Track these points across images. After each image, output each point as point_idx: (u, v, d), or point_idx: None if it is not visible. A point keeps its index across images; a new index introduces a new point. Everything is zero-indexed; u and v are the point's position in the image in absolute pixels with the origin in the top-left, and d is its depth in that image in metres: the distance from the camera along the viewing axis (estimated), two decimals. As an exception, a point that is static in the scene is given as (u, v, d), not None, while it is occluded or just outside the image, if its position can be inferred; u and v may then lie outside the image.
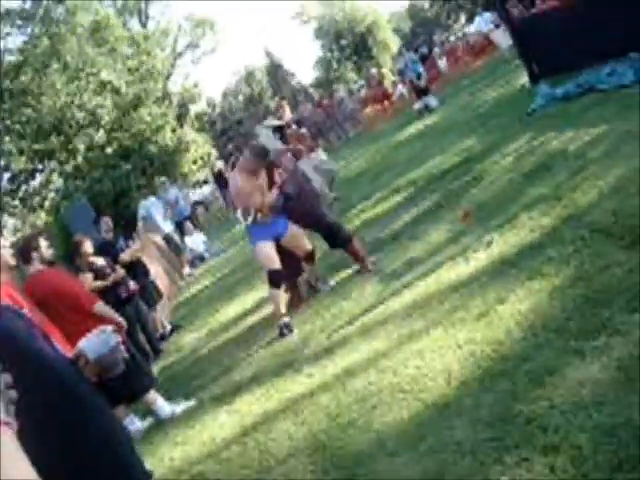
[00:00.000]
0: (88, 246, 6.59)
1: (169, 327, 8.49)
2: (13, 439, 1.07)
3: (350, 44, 47.72)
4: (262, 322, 6.34)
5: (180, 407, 5.19)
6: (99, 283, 6.42)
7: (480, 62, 22.16)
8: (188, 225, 14.45)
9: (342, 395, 3.80)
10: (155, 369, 6.74)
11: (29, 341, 2.07)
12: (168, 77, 29.86)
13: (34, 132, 21.51)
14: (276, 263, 5.75)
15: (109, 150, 22.21)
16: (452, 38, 35.05)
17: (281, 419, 3.97)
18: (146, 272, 8.64)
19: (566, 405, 2.60)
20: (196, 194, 24.85)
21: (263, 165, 5.83)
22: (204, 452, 4.23)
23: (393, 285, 5.15)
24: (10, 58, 22.07)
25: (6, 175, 22.99)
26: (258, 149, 5.89)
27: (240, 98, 55.74)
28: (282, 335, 5.50)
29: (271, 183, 5.95)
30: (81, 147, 21.86)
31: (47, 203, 23.14)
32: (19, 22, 22.65)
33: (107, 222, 8.91)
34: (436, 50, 26.54)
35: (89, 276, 6.37)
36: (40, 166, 23.28)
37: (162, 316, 8.59)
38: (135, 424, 5.27)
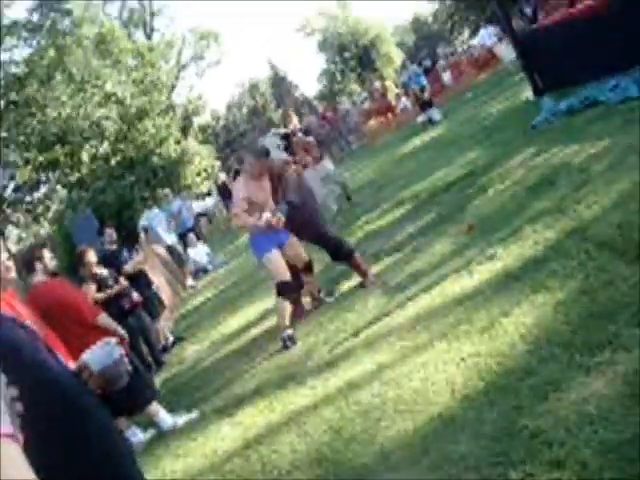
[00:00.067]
0: (92, 256, 6.60)
1: (171, 339, 8.48)
2: (19, 452, 1.06)
3: (354, 57, 47.93)
4: (265, 334, 6.32)
5: (182, 419, 5.17)
6: (102, 294, 6.43)
7: (484, 75, 22.25)
8: (191, 237, 14.45)
9: (345, 408, 3.79)
10: (157, 381, 6.73)
11: (32, 353, 2.06)
12: (172, 89, 30.01)
13: (39, 143, 21.58)
14: (286, 274, 5.71)
15: (113, 161, 22.27)
16: (458, 50, 35.15)
17: (284, 432, 3.95)
18: (149, 283, 8.65)
19: (571, 420, 2.58)
20: (199, 206, 24.88)
21: (267, 166, 5.81)
22: (206, 465, 4.21)
23: (397, 298, 5.14)
24: (16, 70, 22.18)
25: (11, 185, 23.07)
26: (258, 150, 5.90)
27: (244, 110, 55.93)
28: (286, 347, 5.49)
29: (275, 192, 5.94)
30: (85, 158, 21.93)
31: (51, 214, 23.19)
32: (25, 34, 22.77)
33: (111, 233, 8.92)
34: (440, 63, 26.64)
35: (92, 287, 6.38)
36: (44, 177, 23.35)
37: (165, 328, 8.58)
38: (137, 436, 5.26)
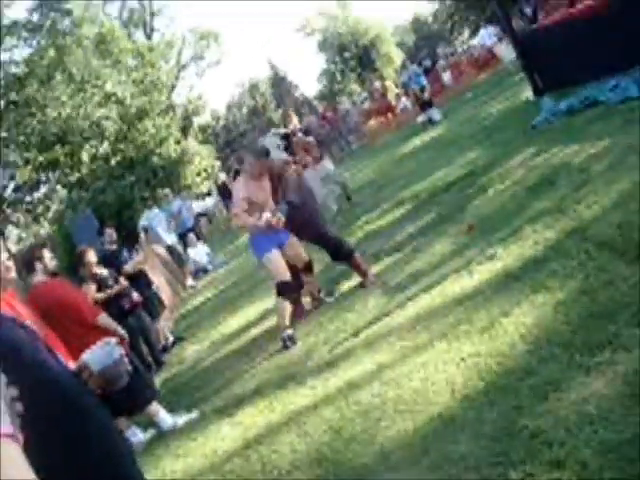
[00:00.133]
0: (92, 256, 6.61)
1: (171, 339, 8.48)
2: (20, 452, 1.06)
3: (354, 57, 47.94)
4: (265, 334, 6.32)
5: (182, 419, 5.17)
6: (102, 294, 6.43)
7: (484, 75, 22.25)
8: (191, 237, 14.46)
9: (345, 408, 3.79)
10: (157, 381, 6.73)
11: (32, 353, 2.06)
12: (172, 89, 30.00)
13: (39, 143, 21.58)
14: (286, 274, 5.70)
15: (113, 161, 22.28)
16: (458, 50, 35.15)
17: (284, 432, 3.95)
18: (149, 283, 8.65)
19: (571, 420, 2.58)
20: (199, 206, 24.87)
21: (266, 166, 5.80)
22: (206, 465, 4.21)
23: (397, 298, 5.14)
24: (16, 70, 22.19)
25: (11, 185, 23.07)
26: (258, 150, 5.89)
27: (244, 110, 55.93)
28: (285, 347, 5.49)
29: (275, 192, 5.93)
30: (85, 158, 21.93)
31: (51, 214, 23.19)
32: (25, 34, 22.78)
33: (111, 233, 8.92)
34: (440, 63, 26.65)
35: (92, 286, 6.38)
36: (44, 177, 23.35)
37: (165, 328, 8.58)
38: (137, 436, 5.26)
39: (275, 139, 8.09)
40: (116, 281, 6.78)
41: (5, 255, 2.32)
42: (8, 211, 23.10)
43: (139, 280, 8.04)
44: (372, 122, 24.27)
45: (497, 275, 4.46)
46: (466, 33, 40.57)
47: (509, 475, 2.48)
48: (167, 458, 4.67)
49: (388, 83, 28.99)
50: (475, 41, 29.35)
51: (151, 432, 5.36)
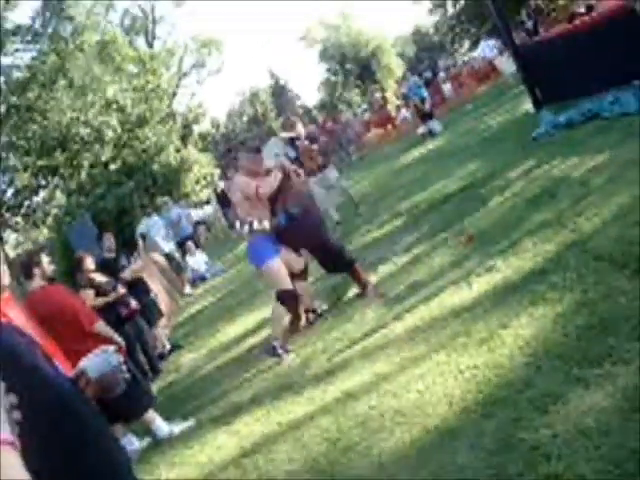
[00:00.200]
0: (90, 262, 6.60)
1: (169, 346, 8.45)
2: (18, 459, 1.06)
3: (355, 67, 48.07)
4: (263, 343, 6.29)
5: (178, 427, 5.15)
6: (100, 300, 6.41)
7: (484, 88, 22.33)
8: (190, 245, 14.45)
9: (343, 418, 3.77)
10: (154, 388, 6.70)
11: (30, 359, 2.05)
12: (173, 96, 30.07)
13: (39, 148, 21.61)
14: (288, 282, 5.61)
15: (113, 167, 22.29)
16: (459, 62, 35.28)
17: (281, 442, 3.93)
18: (147, 291, 8.63)
19: (570, 433, 2.57)
20: (198, 214, 24.87)
21: (259, 163, 5.73)
22: (202, 474, 4.19)
23: (395, 309, 5.13)
24: (17, 74, 22.25)
25: (10, 190, 23.08)
26: (251, 147, 5.87)
27: (244, 119, 56.05)
28: (276, 355, 5.44)
29: (272, 202, 5.86)
30: (85, 164, 21.95)
31: (50, 219, 23.18)
32: (28, 39, 22.85)
33: (109, 239, 8.90)
34: (441, 75, 26.76)
35: (90, 293, 6.36)
36: (44, 182, 23.36)
37: (162, 335, 8.55)
38: (133, 444, 5.23)
39: (275, 147, 8.08)
40: (114, 288, 6.76)
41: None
42: (7, 215, 23.09)
43: (137, 287, 8.02)
44: (372, 133, 24.34)
45: (496, 287, 4.46)
46: (466, 45, 40.73)
47: (507, 488, 2.47)
48: (163, 466, 4.65)
49: (388, 94, 29.08)
50: (475, 53, 29.47)
51: (147, 440, 5.34)
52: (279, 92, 54.81)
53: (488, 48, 23.88)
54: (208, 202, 26.81)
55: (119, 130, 22.37)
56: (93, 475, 2.09)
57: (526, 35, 15.80)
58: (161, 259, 12.66)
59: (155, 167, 22.82)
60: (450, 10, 33.68)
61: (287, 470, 3.58)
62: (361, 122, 26.35)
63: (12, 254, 21.27)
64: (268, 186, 5.59)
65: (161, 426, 5.20)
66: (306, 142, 9.33)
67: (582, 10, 14.80)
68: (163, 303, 10.14)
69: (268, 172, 5.76)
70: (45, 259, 5.17)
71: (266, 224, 5.50)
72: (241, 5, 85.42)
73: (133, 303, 6.99)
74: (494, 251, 5.15)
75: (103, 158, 22.13)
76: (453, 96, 24.98)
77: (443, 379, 3.58)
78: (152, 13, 32.45)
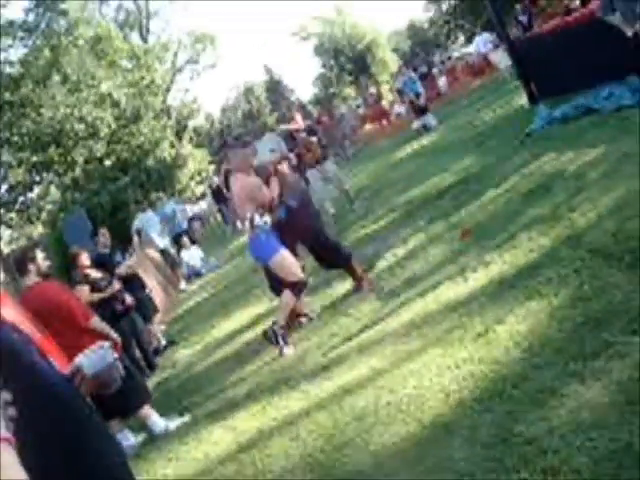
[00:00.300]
0: (85, 258, 6.58)
1: (164, 342, 8.44)
2: (13, 455, 1.05)
3: (349, 62, 48.02)
4: (258, 338, 6.29)
5: (174, 423, 5.15)
6: (95, 296, 6.39)
7: (479, 82, 22.32)
8: (185, 240, 14.43)
9: (339, 413, 3.77)
10: (150, 384, 6.69)
11: (26, 356, 2.05)
12: (167, 92, 29.98)
13: (33, 144, 21.53)
14: (300, 272, 5.55)
15: (107, 163, 22.24)
16: (454, 55, 35.23)
17: (277, 436, 3.93)
18: (142, 286, 8.62)
19: (566, 427, 2.58)
20: (193, 209, 24.85)
21: (248, 156, 5.68)
22: (198, 469, 4.19)
23: (391, 303, 5.13)
24: (11, 70, 22.14)
25: (4, 186, 23.00)
26: (237, 143, 5.82)
27: (239, 114, 55.95)
28: (276, 343, 5.36)
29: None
30: (80, 159, 21.89)
31: (44, 215, 23.12)
32: (21, 34, 22.74)
33: (104, 235, 8.88)
34: (435, 70, 26.74)
35: (85, 288, 6.34)
36: (38, 178, 23.29)
37: (157, 331, 8.54)
38: (129, 440, 5.22)
39: (270, 143, 8.03)
40: (109, 284, 6.74)
41: None
42: (1, 211, 23.02)
43: (132, 283, 8.00)
44: (367, 128, 24.33)
45: (491, 282, 4.46)
46: (461, 40, 40.71)
47: (503, 482, 2.47)
48: (159, 462, 4.65)
49: (383, 89, 29.07)
50: (470, 48, 29.44)
51: (143, 435, 5.33)
52: (274, 87, 54.71)
53: (483, 43, 23.83)
54: (204, 196, 26.80)
55: (113, 125, 22.31)
56: (91, 470, 2.09)
57: (521, 30, 15.77)
58: (156, 255, 12.64)
59: (150, 162, 22.79)
60: (444, 5, 33.68)
61: (283, 465, 3.58)
62: (356, 116, 26.29)
63: (6, 250, 21.20)
64: (272, 193, 5.59)
65: (157, 422, 5.20)
66: (304, 134, 9.33)
67: (577, 4, 14.80)
68: (158, 299, 10.13)
69: (258, 170, 5.74)
70: (40, 255, 5.14)
71: (267, 218, 5.45)
72: (236, 0, 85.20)
73: (128, 299, 6.97)
74: (489, 246, 5.15)
75: (97, 154, 22.08)
76: (448, 91, 24.97)
77: (439, 373, 3.58)
78: (146, 8, 32.35)
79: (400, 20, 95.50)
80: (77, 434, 2.08)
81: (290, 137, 9.08)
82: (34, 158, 21.74)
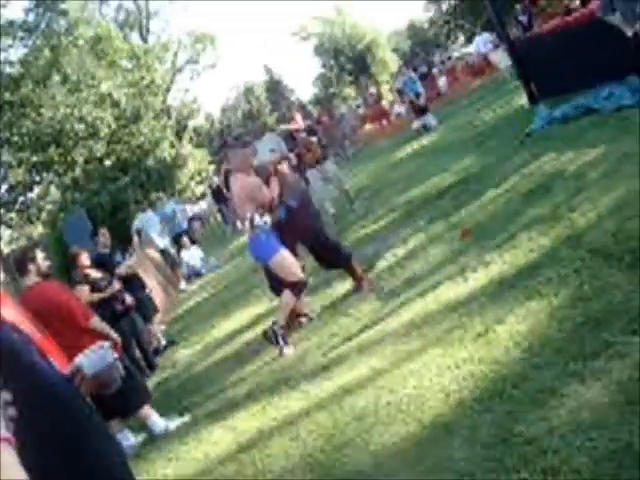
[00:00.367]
0: (85, 258, 6.57)
1: (164, 342, 8.44)
2: (13, 455, 1.05)
3: (349, 61, 48.00)
4: (258, 338, 6.29)
5: (174, 423, 5.14)
6: (95, 296, 6.39)
7: (479, 82, 22.32)
8: (185, 240, 14.43)
9: (339, 413, 3.77)
10: (150, 384, 6.68)
11: (26, 356, 2.05)
12: (168, 91, 29.98)
13: (33, 144, 21.52)
14: (300, 272, 5.55)
15: (107, 163, 22.23)
16: (454, 55, 35.21)
17: (277, 436, 3.93)
18: (142, 286, 8.62)
19: (566, 427, 2.58)
20: (193, 209, 24.85)
21: (248, 156, 5.68)
22: (198, 469, 4.19)
23: (391, 303, 5.13)
24: (11, 70, 22.13)
25: (4, 186, 22.98)
26: (237, 143, 5.81)
27: (239, 114, 55.94)
28: (276, 343, 5.35)
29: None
30: (80, 159, 21.88)
31: (44, 215, 23.11)
32: (21, 34, 22.73)
33: (104, 235, 8.88)
34: (435, 70, 26.73)
35: (85, 288, 6.34)
36: (38, 178, 23.28)
37: (157, 331, 8.54)
38: (129, 440, 5.22)
39: (270, 143, 8.02)
40: (109, 283, 6.74)
41: None
42: (1, 211, 23.00)
43: (132, 283, 8.00)
44: (367, 128, 24.32)
45: (491, 282, 4.46)
46: (461, 40, 40.70)
47: (503, 482, 2.47)
48: (159, 462, 4.65)
49: (383, 89, 29.08)
50: (470, 48, 29.44)
51: (143, 435, 5.33)
52: (274, 87, 54.70)
53: (483, 43, 23.83)
54: (204, 196, 26.80)
55: (113, 125, 22.30)
56: (92, 470, 2.09)
57: (521, 30, 15.77)
58: (156, 255, 12.64)
59: (150, 162, 22.78)
60: (444, 5, 33.67)
61: (283, 465, 3.58)
62: (356, 116, 26.28)
63: (6, 250, 21.19)
64: (272, 193, 5.59)
65: (157, 422, 5.20)
66: (304, 134, 9.32)
67: (577, 4, 14.80)
68: (158, 299, 10.13)
69: (258, 170, 5.72)
70: (40, 255, 5.13)
71: (267, 218, 5.44)
72: (236, 0, 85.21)
73: (128, 299, 6.96)
74: (489, 246, 5.15)
75: (97, 154, 22.06)
76: (448, 91, 24.96)
77: (439, 374, 3.58)
78: (146, 8, 32.34)
79: (400, 20, 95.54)
80: (77, 434, 2.08)
81: (290, 137, 9.08)
82: (34, 158, 21.73)
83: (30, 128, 21.37)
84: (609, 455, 2.32)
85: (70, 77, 22.03)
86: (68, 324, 4.78)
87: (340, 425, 3.63)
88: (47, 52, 22.03)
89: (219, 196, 19.44)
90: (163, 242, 13.34)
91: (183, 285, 13.17)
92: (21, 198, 23.49)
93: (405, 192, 9.36)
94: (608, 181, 5.17)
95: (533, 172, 6.66)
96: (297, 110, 9.94)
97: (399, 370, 3.88)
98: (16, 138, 21.60)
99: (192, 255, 14.14)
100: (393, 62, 48.01)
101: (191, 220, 18.93)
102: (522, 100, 11.14)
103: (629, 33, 6.86)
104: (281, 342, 5.36)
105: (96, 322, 5.16)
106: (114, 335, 5.17)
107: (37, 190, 23.73)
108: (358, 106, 32.05)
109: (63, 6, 22.95)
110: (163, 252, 13.03)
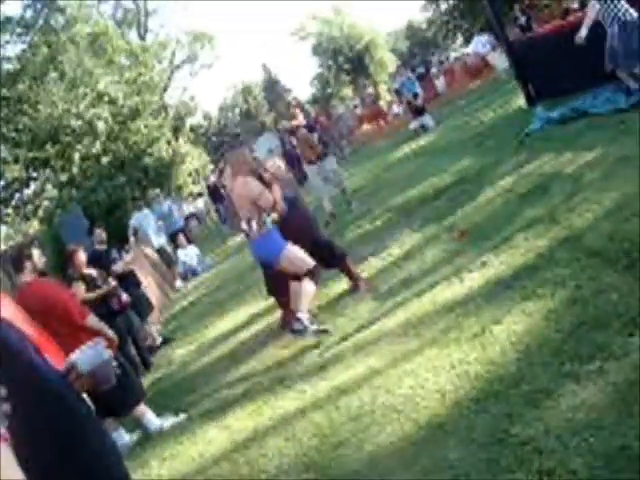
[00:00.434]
0: (81, 256, 6.55)
1: (159, 340, 8.42)
2: (7, 451, 1.05)
3: (347, 62, 47.98)
4: (253, 337, 6.29)
5: (169, 422, 5.13)
6: (92, 294, 6.37)
7: (477, 83, 22.34)
8: (181, 238, 14.40)
9: (334, 413, 3.77)
10: (145, 382, 6.67)
11: (22, 352, 2.04)
12: (165, 89, 29.93)
13: (30, 140, 21.45)
14: (310, 260, 5.44)
15: (104, 160, 22.16)
16: (452, 55, 35.24)
17: (272, 436, 3.92)
18: (138, 284, 8.60)
19: (562, 428, 2.58)
20: (190, 207, 24.81)
21: (249, 157, 5.64)
22: (193, 468, 4.18)
23: (387, 304, 5.13)
24: (8, 66, 22.06)
25: (0, 183, 22.90)
26: (235, 143, 5.80)
27: (237, 112, 55.91)
28: (303, 330, 5.22)
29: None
30: (76, 156, 21.81)
31: (40, 212, 23.04)
32: (19, 30, 22.67)
33: (100, 233, 8.86)
34: (433, 70, 26.75)
35: (81, 286, 6.32)
36: (34, 175, 23.21)
37: (153, 329, 8.52)
38: (124, 439, 5.21)
39: (268, 143, 8.03)
40: (105, 281, 6.73)
41: None
42: (-3, 208, 22.94)
43: (128, 280, 7.99)
44: (364, 128, 24.32)
45: (488, 282, 4.46)
46: (459, 41, 40.70)
47: (499, 483, 2.47)
48: (153, 461, 4.63)
49: (381, 89, 29.09)
50: (469, 49, 29.46)
51: (137, 434, 5.32)
52: (271, 86, 54.68)
53: (481, 44, 23.87)
54: (200, 195, 26.76)
55: (111, 123, 22.24)
56: (88, 467, 2.09)
57: (519, 31, 15.80)
58: (152, 253, 12.62)
59: (147, 160, 22.72)
60: (443, 6, 33.65)
61: (279, 464, 3.57)
62: (354, 116, 26.28)
63: (2, 247, 21.13)
64: (274, 197, 5.58)
65: (152, 420, 5.19)
66: (304, 131, 9.31)
67: (576, 6, 14.83)
68: (154, 297, 10.11)
69: (253, 172, 5.69)
70: (36, 252, 5.12)
71: (269, 218, 5.39)
72: (235, 0, 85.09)
73: (124, 296, 6.95)
74: (486, 246, 5.15)
75: (94, 151, 21.98)
76: (446, 91, 24.98)
77: (435, 374, 3.58)
78: (144, 6, 32.30)
79: (398, 20, 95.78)
80: (71, 430, 2.07)
81: (291, 133, 9.07)
82: (31, 155, 21.63)
83: (27, 125, 21.30)
84: (605, 456, 2.32)
85: (67, 74, 21.96)
86: (64, 322, 4.77)
87: (336, 425, 3.63)
88: (45, 49, 21.95)
89: (216, 195, 19.43)
90: (159, 240, 13.32)
91: (179, 283, 13.15)
92: (17, 195, 23.41)
93: (402, 192, 9.36)
94: (606, 183, 5.18)
95: (531, 173, 6.67)
96: (298, 107, 9.86)
97: (395, 370, 3.88)
98: (13, 134, 21.51)
99: (188, 253, 14.12)
100: (391, 62, 47.97)
101: (188, 218, 18.92)
102: (520, 101, 11.16)
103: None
104: (312, 327, 5.23)
105: (92, 320, 5.14)
106: (110, 333, 5.16)
107: (33, 187, 23.64)
108: (356, 106, 32.07)
109: (61, 3, 22.90)
110: (159, 250, 13.01)
